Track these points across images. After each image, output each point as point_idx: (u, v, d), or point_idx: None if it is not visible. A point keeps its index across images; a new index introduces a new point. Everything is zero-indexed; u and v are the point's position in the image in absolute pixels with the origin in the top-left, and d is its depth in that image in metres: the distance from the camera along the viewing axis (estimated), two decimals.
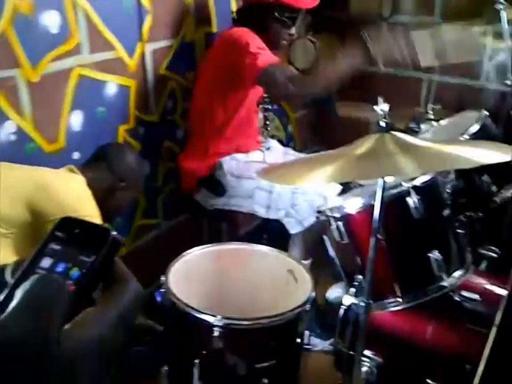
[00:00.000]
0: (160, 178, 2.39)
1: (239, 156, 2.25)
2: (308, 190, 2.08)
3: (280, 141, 2.51)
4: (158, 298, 1.69)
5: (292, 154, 2.37)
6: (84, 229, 0.54)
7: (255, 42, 2.04)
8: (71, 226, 0.54)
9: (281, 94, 2.10)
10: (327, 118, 3.30)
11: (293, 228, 2.11)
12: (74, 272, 0.50)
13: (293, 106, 2.95)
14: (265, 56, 2.01)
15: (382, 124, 1.07)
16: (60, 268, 0.50)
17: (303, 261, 2.11)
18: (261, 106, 2.34)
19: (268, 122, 2.41)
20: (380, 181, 1.08)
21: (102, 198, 1.62)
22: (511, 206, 2.54)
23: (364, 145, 1.07)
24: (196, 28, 2.35)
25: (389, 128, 1.08)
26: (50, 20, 1.80)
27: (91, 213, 1.54)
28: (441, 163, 0.99)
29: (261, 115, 2.37)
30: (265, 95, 2.32)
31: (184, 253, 1.69)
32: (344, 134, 3.16)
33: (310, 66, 2.81)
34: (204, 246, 1.74)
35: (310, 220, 2.06)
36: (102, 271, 0.53)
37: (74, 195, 1.53)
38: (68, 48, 1.87)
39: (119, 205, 1.77)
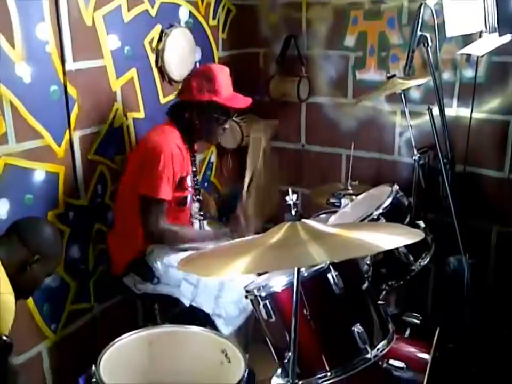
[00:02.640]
0: (92, 261, 2.37)
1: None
2: (234, 283, 2.08)
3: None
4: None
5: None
6: None
7: (168, 166, 2.12)
8: None
9: (148, 228, 2.14)
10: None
11: (224, 329, 2.09)
12: None
13: None
14: (165, 189, 2.11)
15: (293, 212, 1.16)
16: None
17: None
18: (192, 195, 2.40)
19: (201, 213, 2.46)
20: (295, 270, 1.15)
21: (15, 273, 1.57)
22: (429, 274, 2.72)
23: (276, 234, 1.15)
24: (124, 114, 2.43)
25: (299, 217, 1.17)
26: None
27: (2, 289, 1.50)
28: (350, 250, 1.08)
29: (195, 205, 2.43)
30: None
31: (116, 340, 1.67)
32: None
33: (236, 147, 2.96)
34: (136, 331, 1.73)
35: (239, 320, 2.11)
36: None
37: None
38: None
39: (34, 280, 1.70)
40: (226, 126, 2.30)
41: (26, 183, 2.04)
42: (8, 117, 1.93)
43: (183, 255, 2.13)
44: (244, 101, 2.28)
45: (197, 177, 2.44)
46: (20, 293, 1.59)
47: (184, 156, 2.22)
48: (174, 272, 2.15)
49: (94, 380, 1.51)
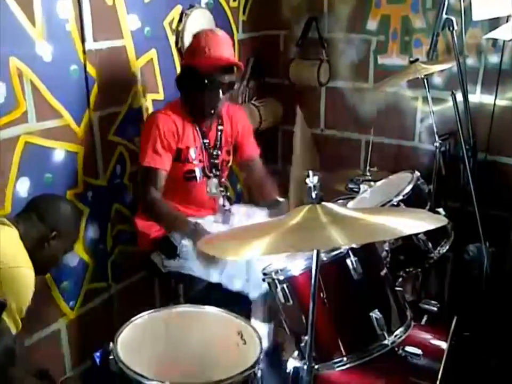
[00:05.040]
0: (110, 241, 2.39)
1: (200, 220, 2.25)
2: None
3: (229, 199, 2.52)
4: (97, 361, 1.67)
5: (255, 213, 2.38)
6: None
7: (149, 136, 2.14)
8: None
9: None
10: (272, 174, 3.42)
11: (252, 293, 2.08)
12: None
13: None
14: (146, 157, 2.13)
15: (313, 195, 1.15)
16: None
17: (266, 324, 2.13)
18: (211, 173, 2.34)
19: (221, 189, 2.39)
20: (314, 252, 1.14)
21: (34, 249, 1.61)
22: (448, 262, 2.69)
23: (296, 216, 1.14)
24: (144, 95, 2.43)
25: (320, 199, 1.16)
26: None
27: (21, 263, 1.53)
28: (370, 234, 1.06)
29: (213, 181, 2.34)
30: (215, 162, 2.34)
31: (133, 318, 1.69)
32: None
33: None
34: (153, 310, 1.74)
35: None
36: None
37: (3, 246, 1.52)
38: (14, 116, 1.89)
39: (52, 256, 1.75)
40: (220, 93, 2.17)
41: (46, 162, 2.05)
42: (28, 95, 1.93)
43: (213, 227, 2.19)
44: (230, 60, 2.17)
45: (212, 151, 2.32)
46: (38, 268, 1.61)
47: (181, 127, 2.20)
48: None
49: (111, 357, 1.52)
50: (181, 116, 2.22)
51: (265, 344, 2.13)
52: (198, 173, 2.28)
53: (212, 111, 2.23)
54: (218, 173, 2.35)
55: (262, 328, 2.13)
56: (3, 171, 1.90)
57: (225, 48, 2.18)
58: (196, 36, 2.21)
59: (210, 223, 2.30)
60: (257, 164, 2.49)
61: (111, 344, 1.54)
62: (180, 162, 2.23)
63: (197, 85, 2.15)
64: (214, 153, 2.33)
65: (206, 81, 2.14)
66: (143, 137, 2.20)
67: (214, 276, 2.12)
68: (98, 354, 1.67)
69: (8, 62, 1.85)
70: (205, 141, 2.29)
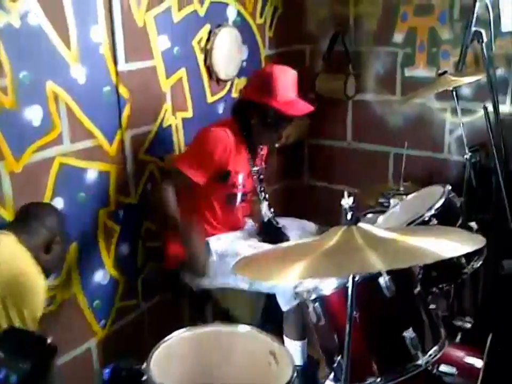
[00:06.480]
0: (140, 259, 2.42)
1: (225, 235, 2.29)
2: None
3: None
4: (106, 376, 1.64)
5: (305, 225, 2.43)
6: (23, 337, 0.60)
7: (207, 155, 2.12)
8: (13, 335, 0.59)
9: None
10: (298, 189, 3.42)
11: (284, 305, 2.07)
12: (13, 378, 0.55)
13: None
14: (184, 162, 2.13)
15: (349, 216, 1.14)
16: (1, 374, 0.55)
17: (298, 342, 2.12)
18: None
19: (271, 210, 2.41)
20: (350, 278, 1.14)
21: (40, 255, 1.64)
22: (481, 277, 2.64)
23: (331, 239, 1.14)
24: (173, 113, 2.46)
25: (356, 220, 1.16)
26: (33, 114, 1.88)
27: (26, 268, 1.57)
28: (408, 258, 1.05)
29: (265, 203, 2.39)
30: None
31: (166, 338, 1.70)
32: (315, 203, 3.28)
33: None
34: (184, 329, 1.75)
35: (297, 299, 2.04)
36: (38, 375, 0.57)
37: (5, 253, 1.55)
38: (49, 139, 1.95)
39: (59, 258, 1.80)
40: (283, 131, 2.23)
41: (80, 182, 2.09)
42: (63, 118, 1.98)
43: (238, 243, 2.23)
44: (303, 108, 2.18)
45: (260, 176, 2.37)
46: (47, 273, 1.65)
47: (237, 152, 2.20)
48: (230, 260, 2.07)
49: (145, 377, 1.54)
50: (237, 139, 2.21)
51: (299, 361, 2.13)
52: (238, 198, 2.31)
53: (273, 145, 2.34)
54: (267, 196, 2.40)
55: (294, 346, 2.12)
56: (39, 192, 1.95)
57: (294, 90, 2.18)
58: (265, 73, 2.19)
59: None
60: None
61: (144, 364, 1.56)
62: (225, 184, 2.24)
63: (262, 121, 2.17)
64: (261, 177, 2.38)
65: (271, 120, 2.15)
66: (196, 147, 2.18)
67: (243, 285, 2.13)
68: (107, 370, 1.65)
69: (45, 86, 1.90)
70: (254, 168, 2.33)
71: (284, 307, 2.08)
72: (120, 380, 1.54)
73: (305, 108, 2.19)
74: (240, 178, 2.27)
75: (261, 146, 2.38)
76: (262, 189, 2.39)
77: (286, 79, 2.15)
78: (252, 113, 2.18)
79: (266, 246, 2.17)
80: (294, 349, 2.11)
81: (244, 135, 2.23)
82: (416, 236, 1.18)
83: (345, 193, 1.17)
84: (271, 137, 2.26)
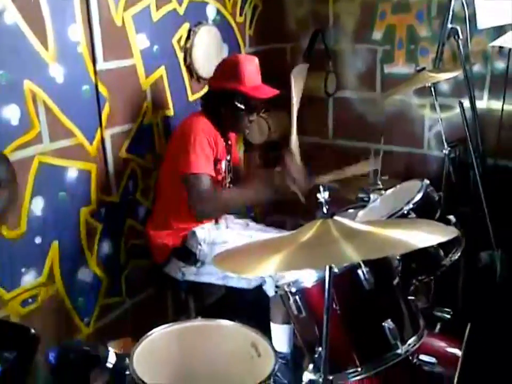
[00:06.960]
0: (123, 256, 2.42)
1: (208, 224, 2.32)
2: None
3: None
4: (51, 359, 1.59)
5: (251, 228, 2.46)
6: (7, 328, 0.60)
7: (201, 143, 2.14)
8: None
9: (192, 203, 2.15)
10: None
11: (270, 290, 2.10)
12: None
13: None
14: (200, 163, 2.12)
15: (324, 210, 1.16)
16: None
17: (286, 325, 2.14)
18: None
19: None
20: (327, 269, 1.16)
21: None
22: (460, 268, 2.68)
23: (308, 232, 1.15)
24: (154, 112, 2.47)
25: (331, 214, 1.18)
26: (11, 113, 1.88)
27: None
28: (383, 248, 1.07)
29: None
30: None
31: (148, 334, 1.71)
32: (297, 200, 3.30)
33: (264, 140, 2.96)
34: (167, 325, 1.76)
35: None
36: (22, 364, 0.58)
37: None
38: (28, 138, 1.94)
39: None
40: (252, 117, 2.29)
41: (60, 181, 2.09)
42: (42, 117, 1.98)
43: (223, 233, 2.26)
44: (269, 91, 2.26)
45: (231, 166, 2.44)
46: None
47: (216, 140, 2.24)
48: (219, 249, 2.09)
49: (127, 373, 1.54)
50: (212, 129, 2.25)
51: (286, 348, 2.16)
52: (222, 185, 2.36)
53: (244, 131, 2.39)
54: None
55: (282, 330, 2.15)
56: (18, 191, 1.94)
57: (259, 77, 2.27)
58: (231, 61, 2.26)
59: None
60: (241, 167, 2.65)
61: (126, 360, 1.56)
62: (215, 171, 2.25)
63: (232, 107, 2.22)
64: (230, 167, 2.43)
65: (242, 106, 2.22)
66: (186, 145, 2.14)
67: (231, 280, 2.17)
68: (53, 354, 1.55)
69: (22, 85, 1.90)
70: (227, 157, 2.38)
71: (271, 292, 2.11)
72: (69, 363, 1.46)
73: (270, 91, 2.27)
74: (223, 165, 2.33)
75: (229, 137, 2.40)
76: (229, 179, 2.44)
77: (251, 66, 2.24)
78: (221, 102, 2.24)
79: (257, 235, 2.21)
80: (281, 333, 2.14)
81: (216, 124, 2.26)
82: (391, 228, 1.20)
83: (321, 188, 1.19)
84: (242, 124, 2.30)
